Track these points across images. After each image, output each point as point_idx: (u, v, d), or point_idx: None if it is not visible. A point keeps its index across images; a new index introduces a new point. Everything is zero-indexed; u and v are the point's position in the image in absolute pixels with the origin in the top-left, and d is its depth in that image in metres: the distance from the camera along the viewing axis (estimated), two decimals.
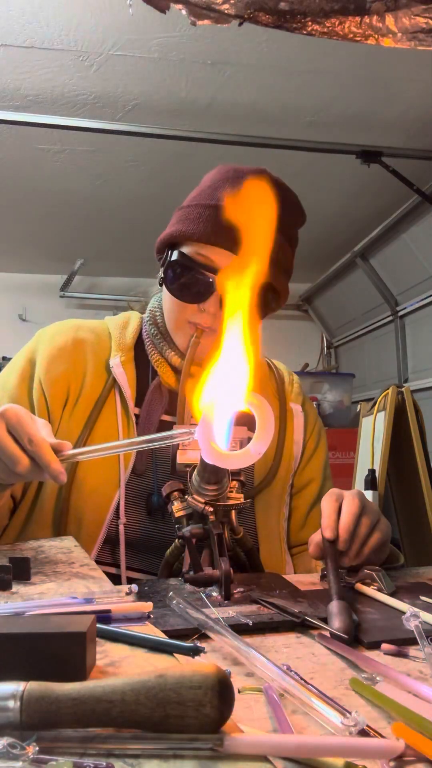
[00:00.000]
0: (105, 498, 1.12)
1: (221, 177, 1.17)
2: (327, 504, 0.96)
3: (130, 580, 1.10)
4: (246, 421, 0.92)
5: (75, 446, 1.14)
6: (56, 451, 0.89)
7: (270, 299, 1.17)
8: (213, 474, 0.85)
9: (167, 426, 1.15)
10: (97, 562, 1.09)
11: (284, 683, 0.54)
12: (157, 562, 1.03)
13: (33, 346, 1.23)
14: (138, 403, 1.19)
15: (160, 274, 1.19)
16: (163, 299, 1.21)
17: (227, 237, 1.08)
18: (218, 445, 0.79)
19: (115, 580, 1.10)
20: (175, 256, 1.14)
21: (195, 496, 0.87)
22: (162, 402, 1.19)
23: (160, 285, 1.20)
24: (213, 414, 0.78)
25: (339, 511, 0.95)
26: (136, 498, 1.14)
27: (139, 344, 1.24)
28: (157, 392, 1.19)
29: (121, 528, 1.11)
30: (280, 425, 1.28)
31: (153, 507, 1.13)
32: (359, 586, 0.90)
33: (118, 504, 1.12)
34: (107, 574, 1.10)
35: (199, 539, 0.88)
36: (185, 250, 1.13)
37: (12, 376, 1.19)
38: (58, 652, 0.50)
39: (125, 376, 1.18)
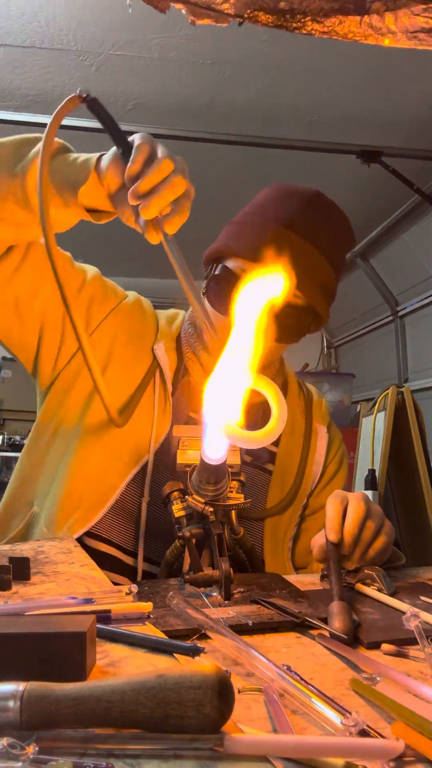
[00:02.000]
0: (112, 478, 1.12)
1: (273, 196, 1.18)
2: (332, 507, 0.96)
3: (132, 572, 1.11)
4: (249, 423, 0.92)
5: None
6: None
7: (310, 321, 1.18)
8: (212, 474, 0.85)
9: (192, 422, 1.16)
10: (104, 539, 1.10)
11: (284, 683, 0.54)
12: (162, 551, 1.04)
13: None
14: (172, 393, 1.19)
15: (204, 284, 1.21)
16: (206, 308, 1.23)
17: (272, 253, 1.09)
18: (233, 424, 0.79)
19: (123, 566, 1.11)
20: (218, 270, 1.16)
21: (195, 496, 0.87)
22: (190, 399, 1.19)
23: (203, 295, 1.21)
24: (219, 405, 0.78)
25: (344, 513, 0.95)
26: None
27: (178, 340, 1.25)
28: (186, 388, 1.20)
29: (144, 506, 1.11)
30: (304, 444, 1.27)
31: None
32: (359, 587, 0.90)
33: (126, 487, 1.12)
34: (113, 558, 1.10)
35: (199, 539, 0.88)
36: (229, 264, 1.15)
37: (90, 268, 1.22)
38: (58, 652, 0.50)
39: (167, 362, 1.19)
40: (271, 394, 0.82)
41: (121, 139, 0.85)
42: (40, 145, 0.88)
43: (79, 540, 1.09)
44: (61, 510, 1.09)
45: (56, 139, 0.94)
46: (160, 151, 0.83)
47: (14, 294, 1.10)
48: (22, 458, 1.23)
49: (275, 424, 0.80)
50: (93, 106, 0.87)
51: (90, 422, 1.13)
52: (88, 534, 1.10)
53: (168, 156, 0.83)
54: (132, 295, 1.27)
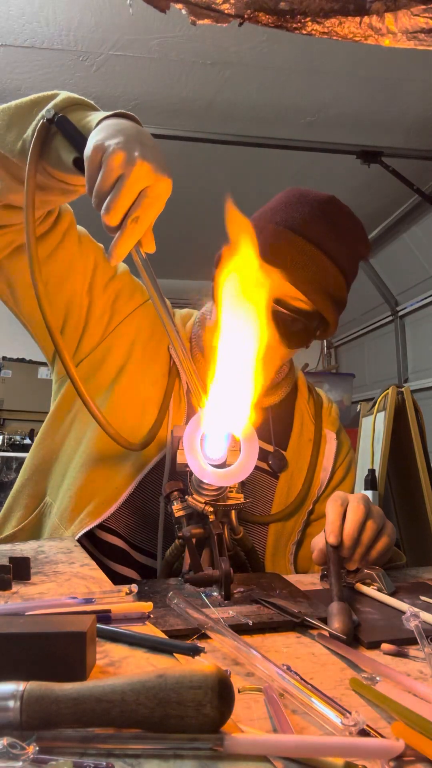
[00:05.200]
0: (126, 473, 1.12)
1: (285, 200, 1.17)
2: (332, 509, 0.96)
3: (140, 567, 1.11)
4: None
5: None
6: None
7: (315, 327, 1.17)
8: None
9: None
10: (115, 532, 1.10)
11: (284, 683, 0.54)
12: (165, 544, 1.04)
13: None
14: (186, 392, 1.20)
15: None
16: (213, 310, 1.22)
17: (279, 260, 1.09)
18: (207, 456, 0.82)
19: (131, 560, 1.11)
20: None
21: (195, 496, 0.87)
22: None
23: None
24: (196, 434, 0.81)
25: (344, 515, 0.95)
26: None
27: (191, 340, 1.25)
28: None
29: (162, 504, 1.10)
30: (313, 449, 1.27)
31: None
32: (359, 586, 0.90)
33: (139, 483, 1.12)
34: (122, 550, 1.10)
35: (199, 539, 0.88)
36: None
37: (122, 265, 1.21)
38: (58, 652, 0.50)
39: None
40: (246, 437, 0.83)
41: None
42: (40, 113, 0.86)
43: (90, 532, 1.09)
44: (74, 503, 1.09)
45: (69, 94, 0.90)
46: (104, 165, 0.76)
47: (43, 279, 1.10)
48: (35, 448, 1.22)
49: (238, 470, 0.82)
50: (62, 124, 0.85)
51: (107, 416, 1.13)
52: (99, 525, 1.10)
53: (107, 172, 0.75)
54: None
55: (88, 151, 0.77)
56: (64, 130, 0.84)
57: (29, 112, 0.91)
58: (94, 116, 0.85)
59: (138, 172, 0.75)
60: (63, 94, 0.89)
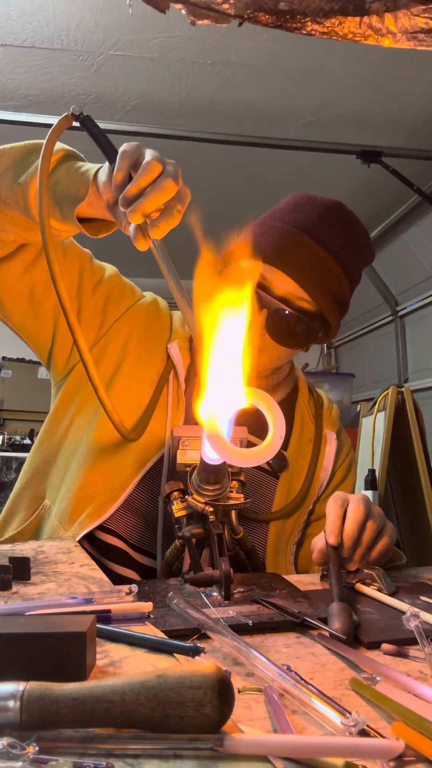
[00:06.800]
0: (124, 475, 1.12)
1: (293, 202, 1.18)
2: (332, 509, 0.96)
3: (140, 568, 1.11)
4: (243, 421, 0.92)
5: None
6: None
7: (317, 328, 1.17)
8: (212, 474, 0.85)
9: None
10: (114, 533, 1.10)
11: (284, 683, 0.54)
12: (164, 544, 1.04)
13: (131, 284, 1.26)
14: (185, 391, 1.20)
15: None
16: None
17: (285, 259, 1.10)
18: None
19: (131, 560, 1.11)
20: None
21: (195, 496, 0.87)
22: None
23: None
24: (216, 421, 0.77)
25: (344, 516, 0.95)
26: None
27: (191, 339, 1.25)
28: (197, 388, 1.20)
29: (161, 504, 1.10)
30: (313, 449, 1.27)
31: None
32: (359, 587, 0.90)
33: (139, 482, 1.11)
34: (122, 551, 1.10)
35: (199, 539, 0.88)
36: (243, 266, 1.14)
37: (109, 267, 1.23)
38: (58, 652, 0.50)
39: (181, 360, 1.19)
40: (267, 408, 0.80)
41: (113, 155, 0.84)
42: (38, 162, 0.89)
43: (90, 533, 1.09)
44: (74, 504, 1.09)
45: (63, 145, 0.93)
46: (148, 155, 0.82)
47: (29, 287, 1.11)
48: (34, 451, 1.22)
49: (272, 440, 0.78)
50: (86, 123, 0.87)
51: (104, 418, 1.13)
52: (98, 527, 1.10)
53: (156, 158, 0.81)
54: (149, 295, 1.28)
55: (127, 146, 0.83)
56: (87, 127, 0.87)
57: (25, 159, 0.94)
58: (92, 165, 0.90)
59: (177, 170, 0.82)
60: (59, 145, 0.93)
